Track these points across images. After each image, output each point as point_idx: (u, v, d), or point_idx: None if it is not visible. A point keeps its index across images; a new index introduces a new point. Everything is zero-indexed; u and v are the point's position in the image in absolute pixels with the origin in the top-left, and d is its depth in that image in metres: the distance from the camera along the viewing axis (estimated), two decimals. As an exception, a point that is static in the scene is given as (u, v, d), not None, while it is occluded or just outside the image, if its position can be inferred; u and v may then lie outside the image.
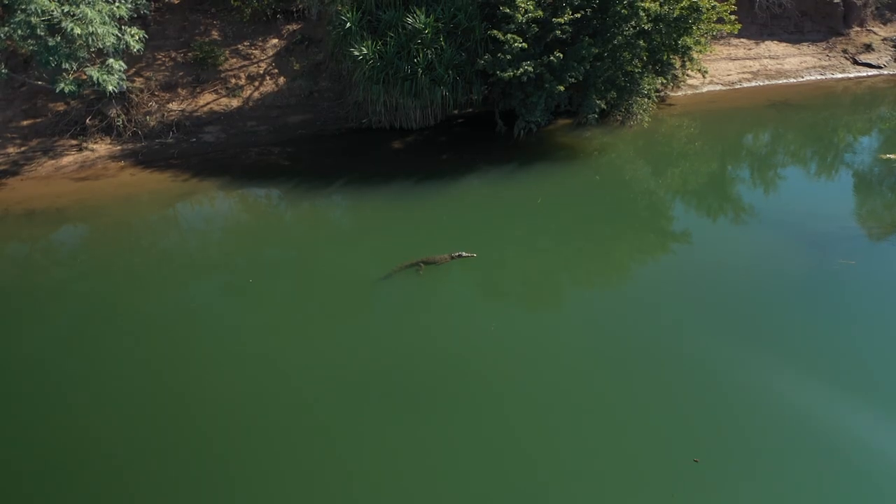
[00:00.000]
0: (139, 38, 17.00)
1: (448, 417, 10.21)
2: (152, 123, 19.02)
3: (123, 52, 17.11)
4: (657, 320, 12.17)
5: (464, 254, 13.48)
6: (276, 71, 21.14)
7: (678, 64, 19.70)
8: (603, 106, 18.01)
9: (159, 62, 20.57)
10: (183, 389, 10.81)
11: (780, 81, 23.86)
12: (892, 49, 25.35)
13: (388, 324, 12.26)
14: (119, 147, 18.48)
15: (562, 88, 17.15)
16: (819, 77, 24.22)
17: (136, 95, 19.26)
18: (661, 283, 13.35)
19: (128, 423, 10.18)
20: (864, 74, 24.57)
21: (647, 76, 18.48)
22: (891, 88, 24.09)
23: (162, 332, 12.13)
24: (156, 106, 19.48)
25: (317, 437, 9.95)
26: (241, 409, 10.42)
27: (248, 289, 13.38)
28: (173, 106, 19.73)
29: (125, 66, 17.30)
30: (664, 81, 19.90)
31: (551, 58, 16.95)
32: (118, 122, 18.64)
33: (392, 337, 11.87)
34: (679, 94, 22.42)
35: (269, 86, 20.78)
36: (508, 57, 17.05)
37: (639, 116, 18.67)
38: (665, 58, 18.75)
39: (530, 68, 16.87)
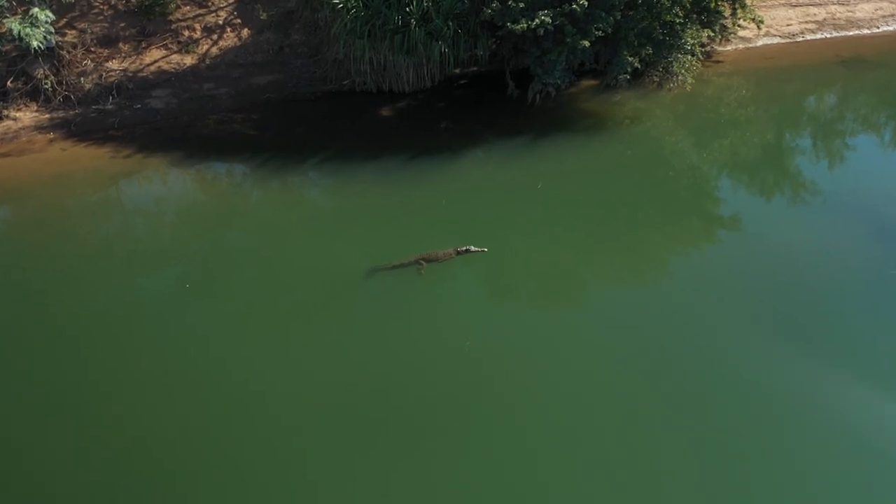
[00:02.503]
0: (69, -18, 16.92)
1: (454, 445, 10.24)
2: (88, 86, 18.91)
3: (51, 0, 17.00)
4: (697, 324, 12.25)
5: (472, 248, 13.48)
6: (239, 21, 21.00)
7: (727, 12, 19.57)
8: (636, 64, 17.89)
9: (96, 11, 20.42)
10: (123, 409, 10.80)
11: (851, 33, 23.78)
12: None
13: (379, 332, 12.26)
14: (47, 115, 18.38)
15: (586, 44, 17.02)
16: (900, 27, 24.23)
17: (68, 52, 19.12)
18: (703, 280, 13.41)
19: (50, 452, 10.20)
20: (955, 23, 24.51)
21: (690, 28, 18.33)
22: None
23: (100, 338, 12.15)
24: (92, 65, 19.35)
25: (292, 472, 9.94)
26: (196, 435, 10.41)
27: (205, 287, 13.39)
28: (113, 65, 19.60)
29: (53, 17, 17.13)
30: (711, 34, 19.79)
31: (574, 6, 16.83)
32: (46, 84, 18.49)
33: (383, 348, 11.87)
34: (728, 48, 22.34)
35: (229, 39, 20.66)
36: (521, 5, 16.96)
37: (680, 77, 18.60)
38: (712, 5, 18.59)
39: (548, 19, 16.76)
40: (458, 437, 10.38)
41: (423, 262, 13.20)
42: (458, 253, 13.41)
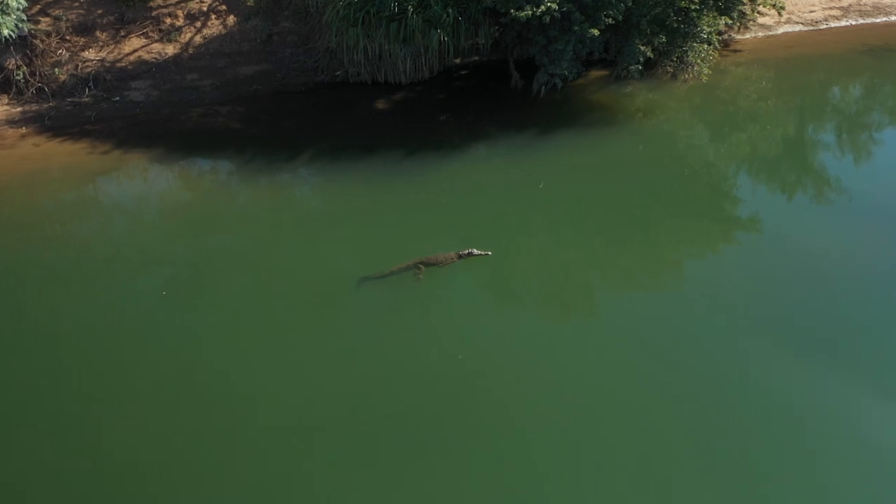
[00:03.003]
0: (42, -34, 16.54)
1: (454, 455, 9.93)
2: (63, 77, 18.55)
3: (22, -15, 16.65)
4: (712, 333, 11.93)
5: (475, 251, 13.06)
6: (224, 8, 20.64)
7: (747, -3, 19.29)
8: (649, 54, 17.58)
9: (72, -4, 20.13)
10: (107, 418, 10.50)
11: (879, 20, 23.46)
12: None
13: (373, 338, 11.90)
14: (19, 109, 18.01)
15: (596, 32, 16.65)
16: (929, 14, 23.81)
17: (42, 41, 18.74)
18: (719, 286, 13.02)
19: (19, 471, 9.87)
20: None
21: (706, 15, 17.95)
22: None
23: (80, 346, 11.83)
24: (67, 54, 19.00)
25: (286, 481, 9.58)
26: (184, 443, 10.09)
27: (190, 292, 13.05)
28: (90, 54, 19.24)
29: (25, 4, 16.80)
30: (728, 22, 19.40)
31: (582, -9, 16.52)
32: (17, 76, 18.13)
33: (377, 355, 11.52)
34: (748, 36, 22.03)
35: (214, 27, 20.32)
36: (526, -10, 16.64)
37: (696, 67, 18.25)
38: (730, -10, 18.28)
39: (555, 5, 16.39)
40: (458, 446, 10.10)
41: (421, 266, 12.79)
42: (461, 256, 12.99)
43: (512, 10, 16.76)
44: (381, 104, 18.91)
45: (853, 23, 23.30)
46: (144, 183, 16.51)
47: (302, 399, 10.86)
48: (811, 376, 11.06)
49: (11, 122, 17.68)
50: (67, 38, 19.30)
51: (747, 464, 9.90)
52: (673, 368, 11.25)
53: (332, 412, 10.62)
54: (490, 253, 13.11)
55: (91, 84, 18.67)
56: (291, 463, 9.92)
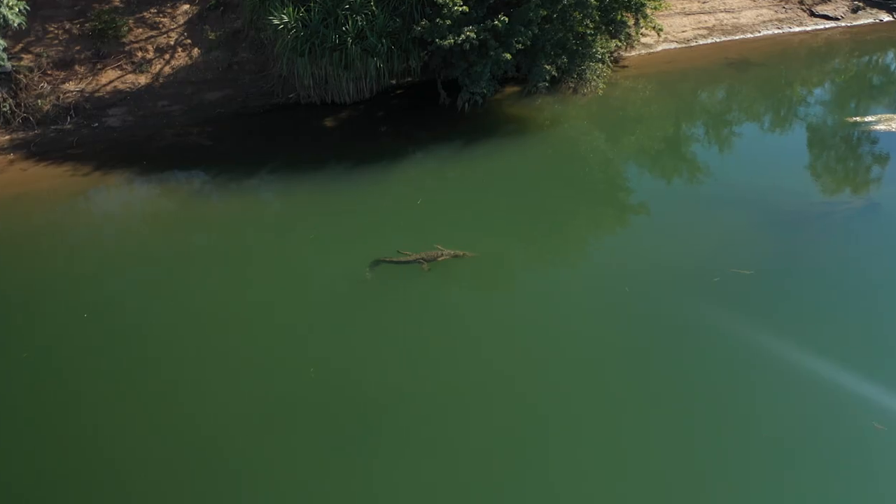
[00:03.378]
0: (20, 10, 15.39)
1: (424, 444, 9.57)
2: (46, 108, 17.42)
3: (2, 28, 15.41)
4: (614, 301, 12.03)
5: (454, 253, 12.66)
6: (189, 41, 19.67)
7: (631, 22, 19.20)
8: (554, 73, 17.32)
9: (51, 35, 18.81)
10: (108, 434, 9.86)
11: (737, 37, 23.57)
12: (849, -1, 25.39)
13: (335, 332, 11.48)
14: (7, 137, 16.87)
15: (508, 56, 16.37)
16: (776, 31, 24.01)
17: (25, 76, 17.56)
18: (617, 259, 13.20)
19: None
20: (822, 27, 24.47)
21: (599, 38, 17.92)
22: (849, 41, 24.17)
23: (70, 361, 11.01)
24: (49, 87, 17.83)
25: (285, 474, 9.16)
26: (176, 455, 9.52)
27: (174, 298, 12.37)
28: (70, 86, 18.12)
29: (4, 44, 15.76)
30: (618, 43, 19.35)
31: (496, 22, 16.15)
32: (5, 107, 16.98)
33: (342, 356, 11.02)
34: (633, 54, 21.95)
35: (181, 59, 19.34)
36: (448, 22, 16.17)
37: (592, 83, 18.09)
38: (618, 17, 18.19)
39: (473, 34, 16.03)
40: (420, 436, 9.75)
41: (423, 261, 12.50)
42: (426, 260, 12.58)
43: (437, 39, 16.33)
44: (329, 122, 18.30)
45: (718, 40, 23.40)
46: (125, 198, 15.71)
47: (281, 394, 10.37)
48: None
49: (0, 150, 16.55)
50: (49, 72, 18.11)
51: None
52: (592, 336, 11.33)
53: (306, 409, 10.15)
54: (468, 254, 12.75)
55: (72, 112, 17.60)
56: (280, 457, 9.48)
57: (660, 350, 11.00)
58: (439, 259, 12.57)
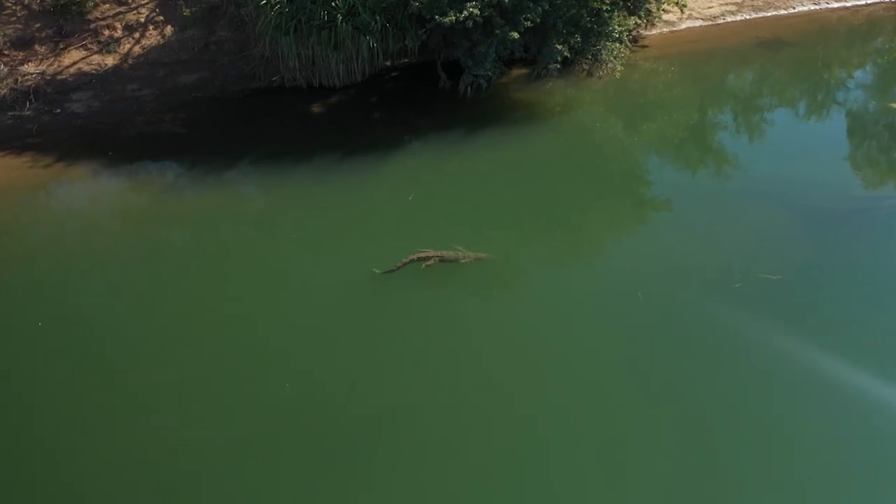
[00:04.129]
0: (-27, -16, 15.19)
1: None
2: (3, 92, 17.25)
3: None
4: (634, 305, 11.85)
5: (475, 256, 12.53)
6: (161, 18, 19.47)
7: (652, -4, 19.10)
8: (566, 53, 17.11)
9: (8, 12, 18.60)
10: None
11: (769, 14, 23.46)
12: (893, -30, 25.23)
13: (323, 338, 11.36)
14: (-40, 125, 16.78)
15: (516, 35, 16.17)
16: (812, 7, 23.89)
17: (-21, 57, 17.46)
18: (637, 260, 13.03)
19: None
20: (863, 2, 24.32)
21: (617, 15, 17.72)
22: (893, 17, 24.04)
23: (20, 370, 10.86)
24: (6, 69, 17.66)
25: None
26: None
27: (143, 305, 12.20)
28: (29, 68, 17.94)
29: (-43, 21, 15.52)
30: (637, 21, 19.20)
31: (501, -4, 16.03)
32: (-44, 92, 16.88)
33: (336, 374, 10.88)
34: (654, 32, 21.82)
35: (152, 37, 19.17)
36: (449, -4, 16.07)
37: (609, 64, 17.94)
38: (637, -9, 18.04)
39: (476, 11, 15.83)
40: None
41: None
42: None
43: (436, 16, 16.14)
44: (317, 107, 18.16)
45: (747, 17, 23.26)
46: (90, 192, 15.56)
47: (262, 410, 10.21)
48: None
49: (-49, 140, 16.45)
50: (6, 52, 17.93)
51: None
52: (613, 340, 11.23)
53: (291, 428, 9.99)
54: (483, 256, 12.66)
55: (32, 97, 17.40)
56: (261, 482, 9.33)
57: (674, 365, 10.81)
58: (462, 261, 12.46)
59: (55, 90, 17.77)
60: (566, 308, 12.03)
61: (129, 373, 10.81)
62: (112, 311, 12.07)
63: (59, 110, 17.47)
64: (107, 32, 18.98)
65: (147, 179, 16.05)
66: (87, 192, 15.57)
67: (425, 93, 18.57)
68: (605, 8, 17.29)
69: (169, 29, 19.34)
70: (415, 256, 12.40)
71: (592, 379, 10.66)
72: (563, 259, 13.53)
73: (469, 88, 17.41)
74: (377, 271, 12.31)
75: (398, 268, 12.23)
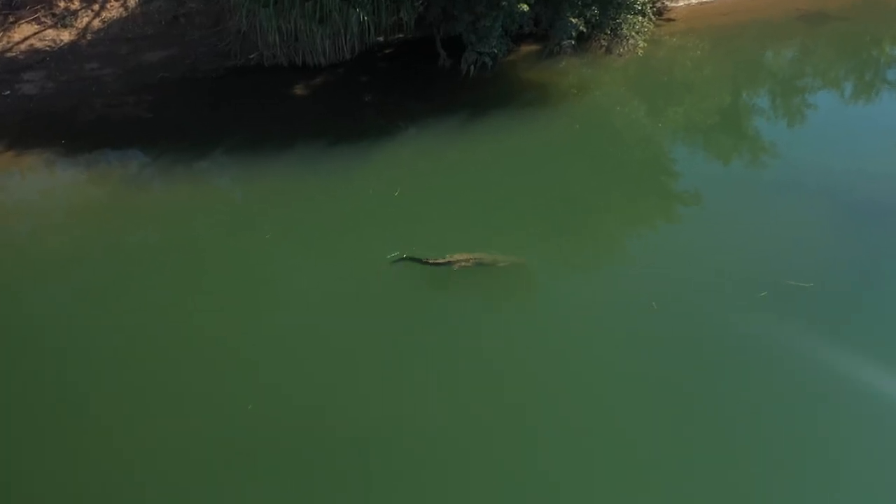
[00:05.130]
0: None
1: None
2: (-56, 71, 17.44)
3: None
4: (675, 305, 11.98)
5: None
6: (124, -12, 19.72)
7: (679, -37, 19.23)
8: (581, 27, 17.22)
9: (-50, -21, 18.83)
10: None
11: (812, -18, 23.62)
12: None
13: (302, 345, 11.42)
14: None
15: (525, 7, 16.27)
16: (861, -25, 24.04)
17: (-82, 31, 17.60)
18: (666, 262, 13.05)
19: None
20: (917, -30, 24.46)
21: (639, -17, 17.84)
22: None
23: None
24: (-52, 45, 17.89)
25: None
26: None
27: (103, 312, 12.24)
28: (-26, 44, 18.20)
29: None
30: (662, -10, 19.37)
31: (509, -37, 16.09)
32: None
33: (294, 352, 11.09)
34: (681, 4, 21.95)
35: (114, 10, 19.32)
36: (449, -37, 16.20)
37: (630, 40, 18.05)
38: (662, -43, 18.14)
39: (481, -22, 16.00)
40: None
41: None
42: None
43: (436, -15, 16.35)
44: (300, 89, 18.29)
45: (787, -14, 23.43)
46: (44, 185, 15.62)
47: (235, 432, 10.23)
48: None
49: None
50: (-52, 26, 18.17)
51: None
52: (650, 340, 11.40)
53: (270, 450, 10.03)
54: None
55: (-23, 78, 17.63)
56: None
57: (697, 380, 10.94)
58: (499, 265, 12.58)
59: (4, 69, 17.92)
60: (578, 319, 12.06)
61: (85, 391, 10.85)
62: (68, 320, 12.13)
63: (8, 92, 17.60)
64: (62, 4, 19.14)
65: (108, 170, 16.14)
66: (40, 184, 15.65)
67: (422, 72, 18.68)
68: (625, -23, 17.42)
69: (133, 0, 19.51)
70: (451, 259, 12.52)
71: (610, 396, 10.70)
72: (576, 262, 13.56)
73: (472, 67, 17.50)
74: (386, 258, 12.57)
75: (434, 264, 12.43)
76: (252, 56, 18.76)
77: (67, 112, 17.41)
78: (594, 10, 17.42)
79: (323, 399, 10.64)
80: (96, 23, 19.06)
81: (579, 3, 17.29)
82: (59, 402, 10.70)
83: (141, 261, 13.50)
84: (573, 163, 16.24)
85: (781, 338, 11.39)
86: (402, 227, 13.88)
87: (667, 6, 21.40)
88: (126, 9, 19.34)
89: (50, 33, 18.72)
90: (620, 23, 17.91)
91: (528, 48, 19.33)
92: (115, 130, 17.03)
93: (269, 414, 10.41)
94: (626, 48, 18.39)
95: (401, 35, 19.36)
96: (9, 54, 18.15)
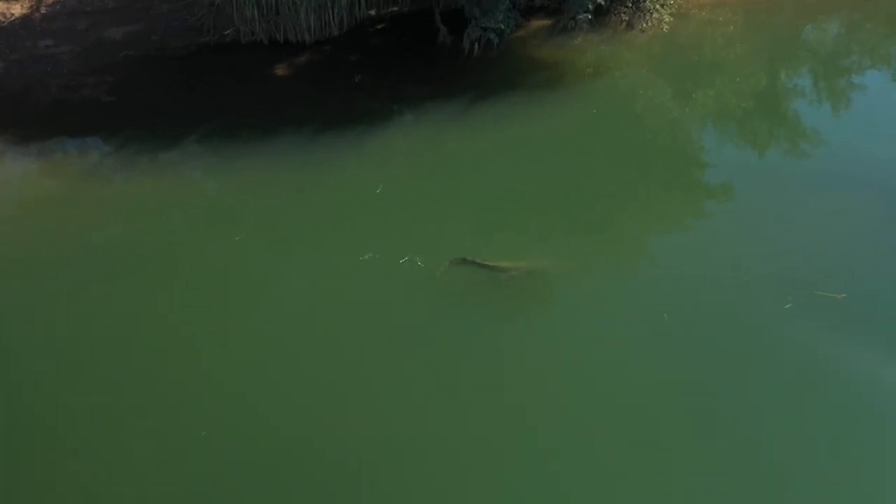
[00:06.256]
0: None
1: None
2: None
3: None
4: (703, 313, 12.16)
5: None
6: (82, -46, 19.88)
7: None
8: (600, 0, 17.38)
9: None
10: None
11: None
12: None
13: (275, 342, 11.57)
14: None
15: (536, -23, 16.48)
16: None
17: None
18: (698, 264, 13.13)
19: None
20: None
21: (665, -49, 17.99)
22: None
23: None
24: None
25: None
26: None
27: (58, 320, 12.33)
28: (-88, 18, 18.37)
29: None
30: (690, -42, 19.51)
31: (518, -73, 16.34)
32: None
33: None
34: (711, -27, 22.14)
35: (71, -21, 19.54)
36: (450, -73, 16.37)
37: (654, 15, 18.18)
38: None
39: (486, -56, 16.19)
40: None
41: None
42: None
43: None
44: (281, 69, 18.49)
45: (830, -47, 23.62)
46: (-6, 175, 15.86)
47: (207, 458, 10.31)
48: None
49: None
50: None
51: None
52: (676, 345, 11.57)
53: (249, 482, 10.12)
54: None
55: (-85, 56, 17.83)
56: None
57: (722, 398, 11.03)
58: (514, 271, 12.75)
59: (-54, 47, 18.14)
60: (598, 326, 12.14)
61: (41, 410, 10.94)
62: (18, 326, 12.21)
63: (-50, 72, 17.79)
64: (12, -28, 19.36)
65: (65, 161, 16.31)
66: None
67: (420, 51, 18.88)
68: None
69: (92, -32, 19.75)
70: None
71: (633, 410, 10.81)
72: (591, 266, 13.55)
73: (476, 45, 17.60)
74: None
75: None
76: (227, 32, 18.92)
77: (19, 95, 17.61)
78: (614, -21, 17.65)
79: (321, 408, 10.76)
80: (51, -6, 19.33)
81: (597, -29, 17.51)
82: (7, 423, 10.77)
83: (102, 263, 13.61)
84: (589, 153, 16.36)
85: (822, 351, 11.50)
86: (400, 223, 14.03)
87: (695, -24, 21.63)
88: (85, -22, 19.62)
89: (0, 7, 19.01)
90: (643, -5, 18.13)
91: (538, 23, 19.48)
92: (72, 115, 17.25)
93: (254, 440, 10.45)
94: (649, 23, 18.50)
95: (395, 8, 19.60)
96: (-49, 29, 18.41)
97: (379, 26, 19.67)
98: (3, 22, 18.63)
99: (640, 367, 11.43)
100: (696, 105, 18.46)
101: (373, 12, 19.21)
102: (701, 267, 13.07)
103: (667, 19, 18.43)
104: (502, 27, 17.26)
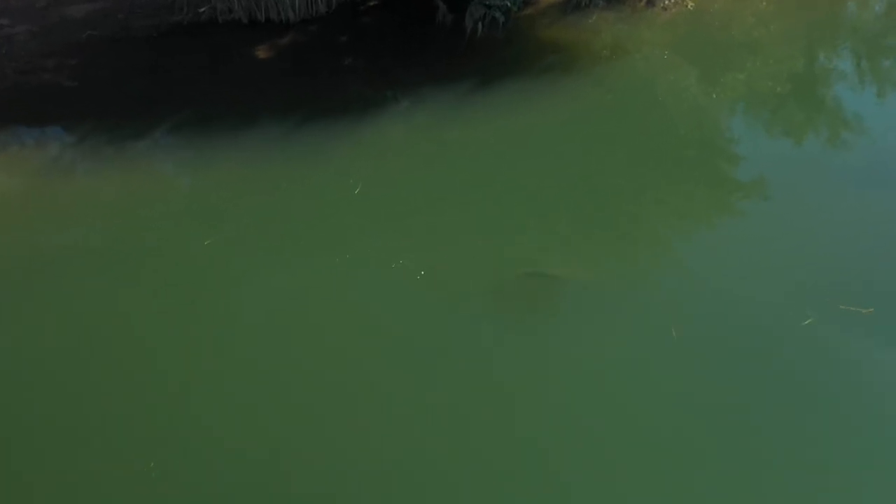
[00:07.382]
0: None
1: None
2: None
3: None
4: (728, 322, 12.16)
5: None
6: (40, -78, 20.03)
7: None
8: (617, -26, 17.70)
9: None
10: None
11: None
12: None
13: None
14: None
15: (546, -51, 16.68)
16: None
17: None
18: (726, 269, 13.15)
19: None
20: None
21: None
22: None
23: None
24: None
25: None
26: None
27: (15, 330, 12.42)
28: None
29: None
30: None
31: None
32: None
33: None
34: (740, -57, 22.26)
35: (28, -49, 19.69)
36: None
37: (677, -10, 18.49)
38: None
39: (491, -89, 16.47)
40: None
41: None
42: None
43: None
44: (263, 51, 18.66)
45: (875, -81, 23.76)
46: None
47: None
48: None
49: None
50: None
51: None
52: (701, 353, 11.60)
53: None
54: None
55: None
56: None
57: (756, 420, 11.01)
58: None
59: None
60: (614, 343, 12.14)
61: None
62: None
63: None
64: (-36, -55, 19.53)
65: (21, 154, 16.44)
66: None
67: (417, 31, 19.10)
68: None
69: (52, -61, 19.90)
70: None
71: (652, 426, 10.81)
72: (609, 272, 13.51)
73: (479, 25, 17.91)
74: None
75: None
76: (202, 10, 19.15)
77: (-28, 79, 17.84)
78: (633, -48, 17.91)
79: (320, 408, 10.88)
80: (6, -32, 19.51)
81: (614, -58, 17.78)
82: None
83: (63, 266, 13.66)
84: (604, 144, 16.39)
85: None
86: (397, 222, 14.15)
87: (723, -53, 21.78)
88: (43, -50, 19.77)
89: (-53, -18, 19.17)
90: (665, -32, 18.42)
91: (547, 1, 19.69)
92: (30, 103, 17.40)
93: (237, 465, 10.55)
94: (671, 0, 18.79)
95: (390, -15, 19.81)
96: None
97: (371, 3, 19.91)
98: (-47, -1, 18.89)
99: (653, 381, 11.46)
100: (725, 90, 18.54)
101: (364, -12, 19.51)
102: (730, 273, 12.98)
103: (692, -4, 18.79)
104: (509, 4, 17.60)
